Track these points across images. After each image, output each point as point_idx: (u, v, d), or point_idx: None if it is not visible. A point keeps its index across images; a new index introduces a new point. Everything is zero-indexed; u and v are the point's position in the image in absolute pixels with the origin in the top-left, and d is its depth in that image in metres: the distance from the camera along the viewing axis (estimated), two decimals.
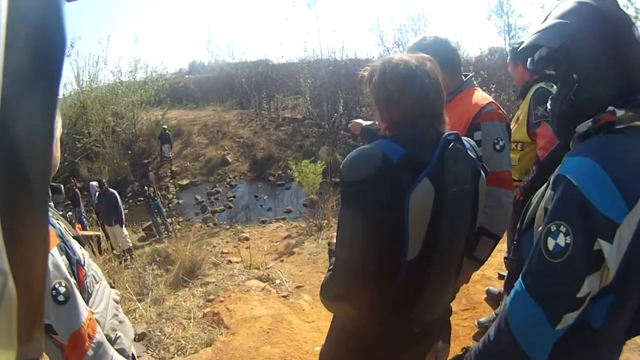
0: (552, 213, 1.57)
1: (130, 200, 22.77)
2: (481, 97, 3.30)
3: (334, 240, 2.36)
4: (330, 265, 2.18)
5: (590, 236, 1.47)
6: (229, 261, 9.57)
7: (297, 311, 6.23)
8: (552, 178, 1.75)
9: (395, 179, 1.78)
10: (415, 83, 1.95)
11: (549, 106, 2.03)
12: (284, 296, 6.69)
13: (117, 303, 2.53)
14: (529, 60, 2.05)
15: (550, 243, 1.52)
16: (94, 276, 2.33)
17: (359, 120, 3.81)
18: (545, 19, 1.94)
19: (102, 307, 2.31)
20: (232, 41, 36.83)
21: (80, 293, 2.06)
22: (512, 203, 3.23)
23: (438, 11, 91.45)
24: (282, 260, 9.66)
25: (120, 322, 2.47)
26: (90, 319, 2.02)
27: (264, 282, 7.12)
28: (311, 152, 24.81)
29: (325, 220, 13.00)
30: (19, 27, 0.68)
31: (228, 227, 16.39)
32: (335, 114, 27.10)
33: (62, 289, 1.89)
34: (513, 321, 1.60)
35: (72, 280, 2.00)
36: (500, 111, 3.26)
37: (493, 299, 5.58)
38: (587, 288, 1.49)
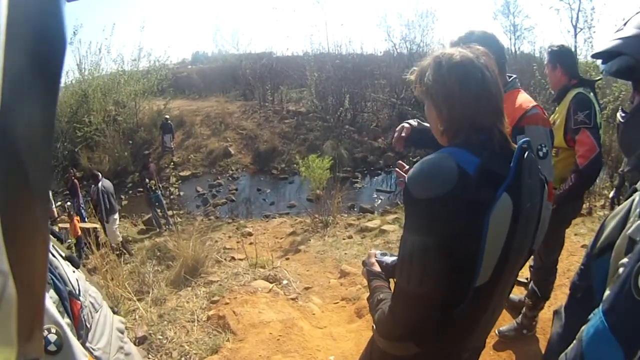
0: None
1: (130, 192, 22.87)
2: (526, 99, 3.22)
3: (372, 260, 2.32)
4: (377, 294, 2.06)
5: None
6: (233, 258, 9.45)
7: (308, 316, 6.08)
8: (637, 205, 1.56)
9: (474, 195, 1.59)
10: (477, 75, 1.75)
11: (619, 118, 1.92)
12: (292, 299, 6.55)
13: (122, 333, 2.28)
14: (604, 65, 1.91)
15: None
16: (92, 304, 2.07)
17: (406, 124, 3.39)
18: (625, 25, 1.80)
19: (104, 342, 2.03)
20: (238, 32, 37.55)
21: (77, 330, 1.79)
22: None
23: (446, 8, 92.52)
24: (287, 259, 9.58)
25: (126, 354, 2.22)
26: None
27: (271, 282, 6.96)
28: (315, 146, 24.99)
29: (331, 217, 12.96)
30: (19, 27, 0.69)
31: (230, 221, 16.40)
32: (341, 108, 27.34)
33: (53, 337, 1.59)
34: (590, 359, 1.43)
35: (65, 321, 1.71)
36: (545, 116, 3.19)
37: (513, 306, 5.49)
38: None
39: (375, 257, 2.33)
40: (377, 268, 2.26)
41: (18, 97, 0.69)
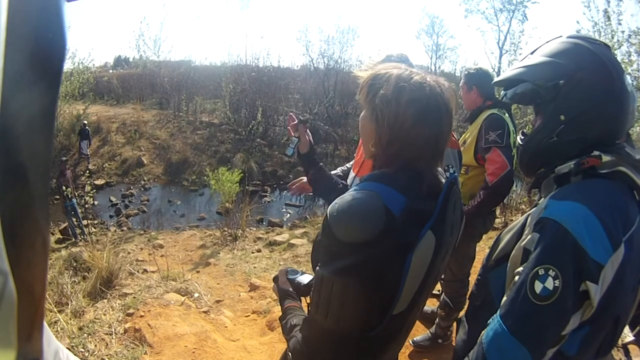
0: (539, 257, 1.58)
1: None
2: None
3: (283, 278, 2.28)
4: (290, 317, 2.01)
5: (579, 280, 1.52)
6: (145, 270, 9.32)
7: (220, 328, 6.17)
8: (532, 219, 1.76)
9: (398, 238, 1.52)
10: (435, 117, 1.64)
11: (519, 140, 2.06)
12: (204, 312, 6.60)
13: None
14: (505, 92, 2.08)
15: (538, 286, 1.53)
16: None
17: (302, 179, 3.61)
18: (532, 54, 1.96)
19: None
20: (160, 38, 36.19)
21: None
22: None
23: (368, 25, 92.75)
24: (198, 272, 9.57)
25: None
26: None
27: (183, 295, 6.97)
28: (226, 159, 24.92)
29: (240, 230, 12.97)
30: (19, 27, 0.68)
31: (142, 232, 15.88)
32: (253, 122, 27.13)
33: None
34: None
35: None
36: (453, 137, 3.29)
37: (425, 317, 5.65)
38: (571, 326, 1.56)
39: (287, 274, 2.30)
40: (288, 287, 2.23)
41: (18, 97, 0.68)
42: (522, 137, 2.04)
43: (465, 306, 4.52)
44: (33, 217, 0.77)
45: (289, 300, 2.15)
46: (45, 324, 1.67)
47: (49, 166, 0.88)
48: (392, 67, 1.75)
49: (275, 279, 2.33)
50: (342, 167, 3.75)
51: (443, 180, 1.76)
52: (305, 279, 2.27)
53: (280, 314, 2.14)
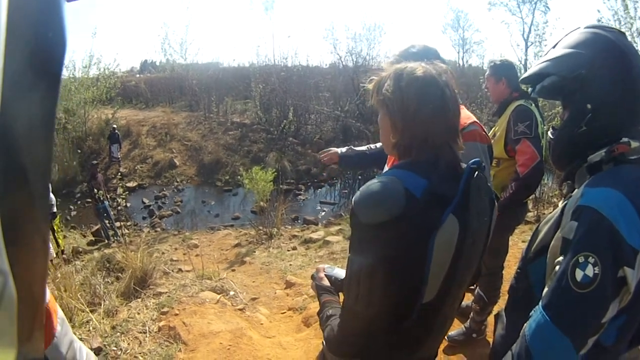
0: (578, 244, 1.59)
1: (79, 202, 22.04)
2: (465, 116, 3.16)
3: (321, 275, 2.32)
4: (326, 309, 2.05)
5: (617, 265, 1.52)
6: (180, 270, 9.38)
7: (256, 325, 6.15)
8: (569, 208, 1.75)
9: (420, 218, 1.57)
10: (436, 92, 1.72)
11: (550, 135, 2.07)
12: (240, 309, 6.59)
13: None
14: (533, 87, 2.11)
15: (579, 274, 1.54)
16: None
17: (333, 149, 3.83)
18: (553, 48, 2.00)
19: None
20: (186, 41, 36.44)
21: None
22: None
23: (394, 22, 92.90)
24: (233, 270, 9.60)
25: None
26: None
27: (218, 293, 6.97)
28: (259, 158, 24.96)
29: (275, 229, 13.01)
30: (19, 27, 0.69)
31: (176, 232, 16.10)
32: (285, 121, 27.18)
33: None
34: (536, 352, 1.61)
35: None
36: (483, 132, 3.25)
37: (461, 312, 5.57)
38: (610, 313, 1.56)
39: (324, 271, 2.32)
40: (326, 282, 2.25)
41: (18, 97, 0.69)
42: (553, 132, 2.07)
43: (499, 300, 4.51)
44: (33, 217, 0.80)
45: (326, 294, 2.19)
46: (64, 317, 1.64)
47: (49, 167, 0.91)
48: (392, 67, 1.87)
49: (314, 277, 2.38)
50: (369, 145, 3.80)
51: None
52: (342, 273, 2.24)
53: (317, 309, 2.17)
